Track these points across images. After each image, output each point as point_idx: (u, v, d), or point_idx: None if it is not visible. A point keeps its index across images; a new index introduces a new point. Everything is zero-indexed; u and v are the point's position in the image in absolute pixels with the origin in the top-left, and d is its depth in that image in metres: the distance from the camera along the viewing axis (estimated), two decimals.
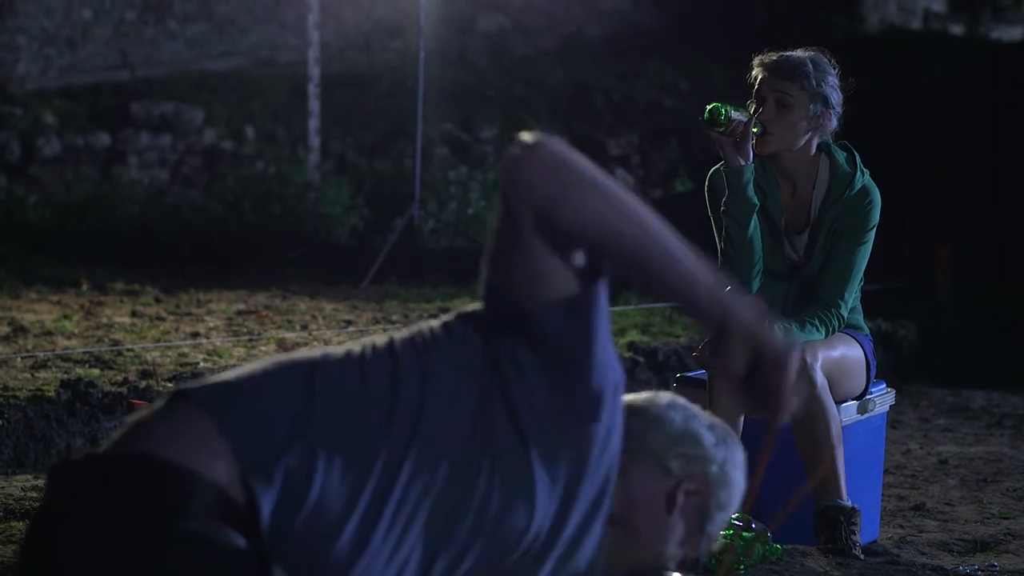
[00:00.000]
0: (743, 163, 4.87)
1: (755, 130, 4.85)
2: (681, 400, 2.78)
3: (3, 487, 5.52)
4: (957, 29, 18.58)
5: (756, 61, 4.91)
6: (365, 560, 2.46)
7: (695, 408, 2.77)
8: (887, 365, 8.13)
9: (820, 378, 4.78)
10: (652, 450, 2.69)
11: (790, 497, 4.82)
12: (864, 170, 4.95)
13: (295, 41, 15.26)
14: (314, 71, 12.83)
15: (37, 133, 13.88)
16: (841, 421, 4.90)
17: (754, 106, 4.90)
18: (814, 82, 4.85)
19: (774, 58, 4.88)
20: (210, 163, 14.35)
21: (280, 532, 2.43)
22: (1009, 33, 18.56)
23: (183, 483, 2.38)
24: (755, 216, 4.91)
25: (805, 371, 4.66)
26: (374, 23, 16.51)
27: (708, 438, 2.72)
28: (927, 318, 9.66)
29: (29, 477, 5.81)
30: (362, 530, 2.46)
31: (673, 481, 2.69)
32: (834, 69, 4.92)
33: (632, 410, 2.72)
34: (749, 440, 4.92)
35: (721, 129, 4.85)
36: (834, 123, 4.94)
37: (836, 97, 4.91)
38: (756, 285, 4.96)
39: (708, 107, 4.86)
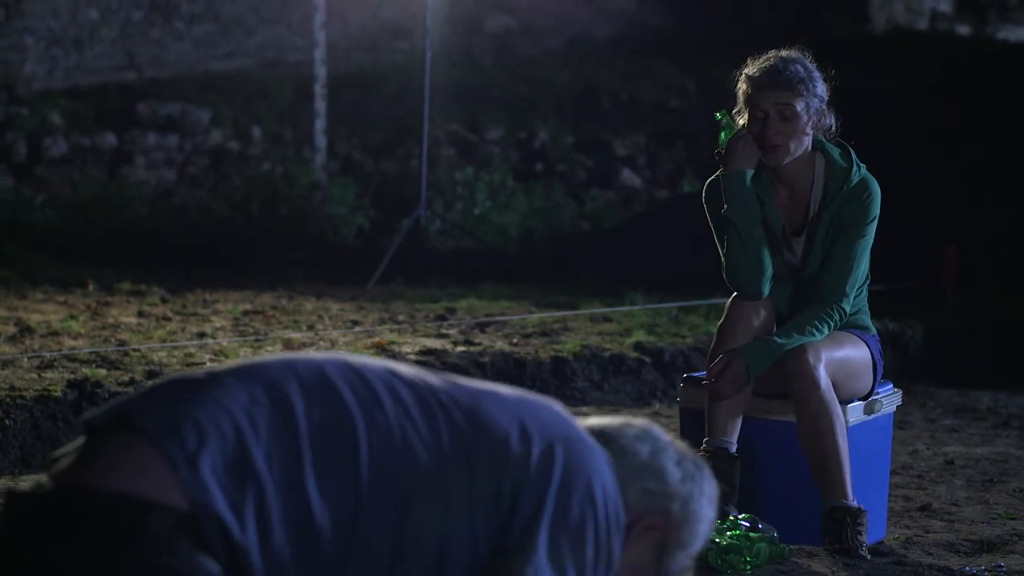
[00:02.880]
0: (748, 167, 4.89)
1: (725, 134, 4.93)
2: (654, 430, 2.70)
3: (10, 487, 5.52)
4: (964, 29, 18.56)
5: (745, 75, 4.91)
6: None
7: (667, 439, 2.69)
8: (894, 366, 8.12)
9: (824, 378, 4.78)
10: None
11: (796, 498, 4.84)
12: (860, 164, 4.95)
13: (301, 41, 15.26)
14: (320, 71, 12.83)
15: (44, 133, 13.89)
16: (848, 421, 4.89)
17: (746, 115, 4.91)
18: (810, 85, 4.86)
19: (765, 70, 4.88)
20: (216, 163, 14.35)
21: (253, 553, 2.35)
22: (1016, 33, 18.55)
23: (151, 517, 2.32)
24: (759, 220, 4.92)
25: (808, 373, 4.70)
26: (380, 23, 16.51)
27: (674, 474, 2.64)
28: (934, 319, 9.65)
29: (36, 478, 5.81)
30: (339, 542, 2.40)
31: (631, 516, 2.61)
32: (813, 64, 4.94)
33: (601, 438, 2.65)
34: (749, 440, 4.93)
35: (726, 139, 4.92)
36: (829, 119, 4.95)
37: (826, 93, 4.92)
38: (767, 289, 4.95)
39: (721, 121, 4.92)
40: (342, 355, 2.60)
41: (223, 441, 2.38)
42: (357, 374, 2.52)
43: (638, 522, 2.61)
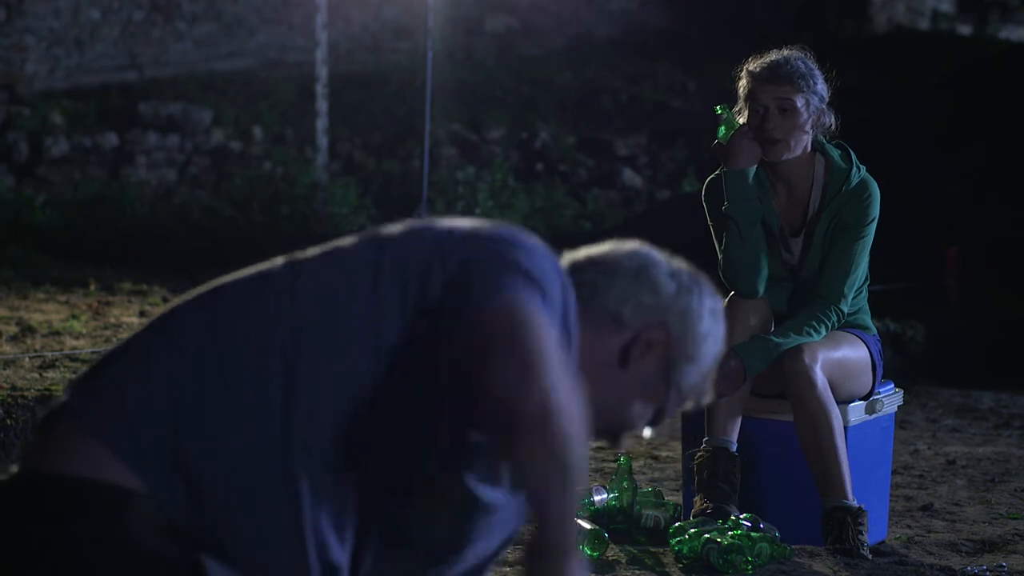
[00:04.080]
0: (749, 165, 4.90)
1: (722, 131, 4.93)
2: (644, 247, 2.62)
3: None
4: (965, 29, 18.56)
5: (747, 70, 4.92)
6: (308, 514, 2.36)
7: (659, 254, 2.61)
8: (895, 366, 8.12)
9: (820, 378, 4.78)
10: (604, 302, 2.55)
11: (797, 498, 4.84)
12: (860, 165, 4.95)
13: (303, 42, 15.27)
14: (322, 71, 12.84)
15: (45, 133, 13.90)
16: (849, 421, 4.89)
17: (746, 113, 4.92)
18: (810, 82, 4.87)
19: (766, 64, 4.89)
20: (218, 163, 14.36)
21: (198, 522, 2.34)
22: (1017, 33, 18.55)
23: (109, 497, 2.31)
24: (759, 218, 4.92)
25: (804, 373, 4.70)
26: (382, 24, 16.52)
27: (668, 286, 2.56)
28: (935, 319, 9.66)
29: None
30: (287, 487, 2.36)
31: (628, 334, 2.55)
32: (814, 63, 4.95)
33: (590, 262, 2.59)
34: (749, 440, 4.94)
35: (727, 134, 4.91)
36: (829, 119, 4.95)
37: (826, 92, 4.93)
38: (763, 288, 4.96)
39: (722, 115, 4.91)
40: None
41: (148, 410, 2.37)
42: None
43: (638, 339, 2.54)
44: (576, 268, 2.59)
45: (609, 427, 2.58)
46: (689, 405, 2.64)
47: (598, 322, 2.55)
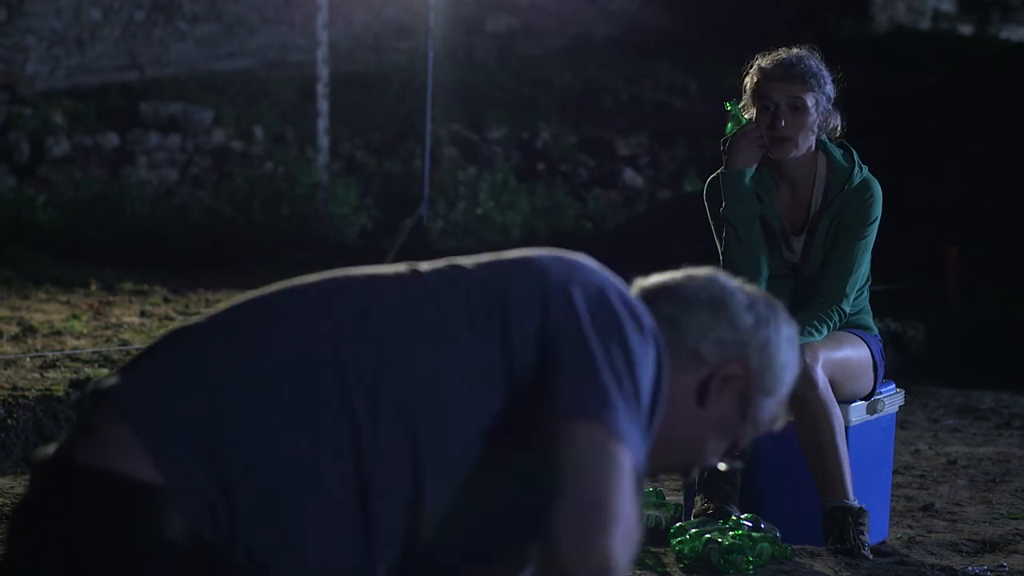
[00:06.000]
0: (748, 166, 4.90)
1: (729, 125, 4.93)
2: (719, 278, 2.57)
3: (12, 487, 5.52)
4: (966, 29, 18.56)
5: (758, 67, 4.91)
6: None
7: (733, 284, 2.56)
8: (896, 366, 8.12)
9: (821, 378, 4.78)
10: (685, 340, 2.50)
11: (796, 498, 4.83)
12: (863, 165, 4.95)
13: (304, 41, 15.27)
14: (323, 71, 12.84)
15: (46, 133, 13.90)
16: (850, 421, 4.89)
17: (753, 109, 4.91)
18: (820, 81, 4.87)
19: (779, 62, 4.88)
20: (219, 163, 14.36)
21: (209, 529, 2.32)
22: (1018, 33, 18.55)
23: (143, 497, 2.31)
24: (756, 219, 4.92)
25: (806, 373, 4.70)
26: (383, 23, 16.52)
27: (746, 320, 2.51)
28: (936, 319, 9.65)
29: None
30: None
31: (706, 370, 2.50)
32: (822, 64, 4.95)
33: (665, 292, 2.55)
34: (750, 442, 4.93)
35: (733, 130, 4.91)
36: (835, 120, 4.95)
37: (833, 93, 4.93)
38: (763, 288, 4.96)
39: (730, 111, 4.91)
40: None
41: (195, 412, 2.36)
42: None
43: (717, 374, 2.50)
44: (651, 298, 2.55)
45: (681, 464, 2.57)
46: (764, 433, 2.61)
47: (679, 362, 2.50)
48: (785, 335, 2.55)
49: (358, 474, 2.34)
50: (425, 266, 2.54)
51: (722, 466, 2.64)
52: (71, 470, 2.36)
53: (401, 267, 2.55)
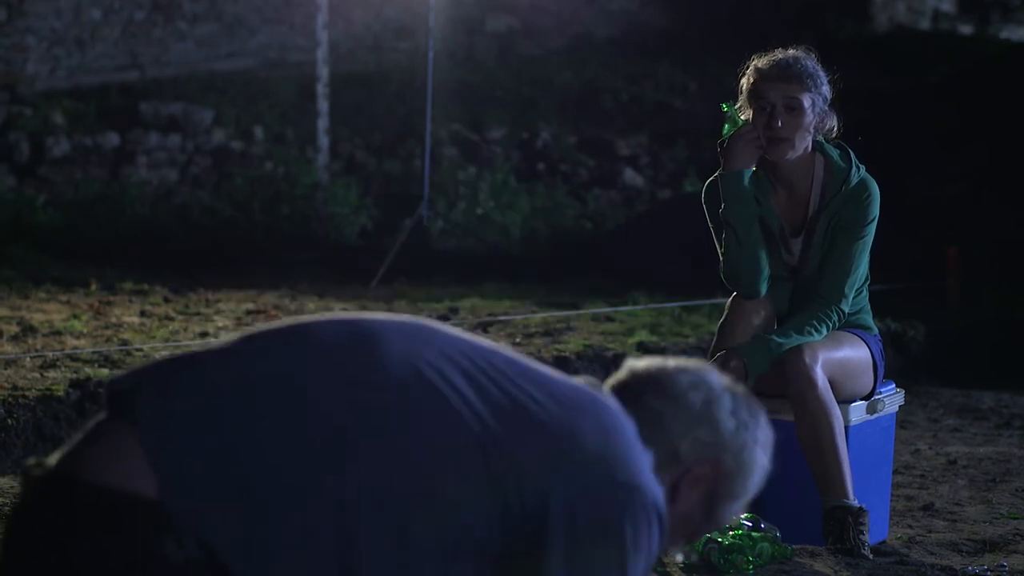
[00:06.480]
0: (746, 167, 4.90)
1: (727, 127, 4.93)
2: (709, 377, 2.60)
3: (12, 487, 5.53)
4: (966, 29, 18.55)
5: (754, 67, 4.91)
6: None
7: (722, 386, 2.59)
8: (896, 365, 8.12)
9: (821, 378, 4.78)
10: (667, 438, 2.54)
11: (796, 498, 4.84)
12: (860, 165, 4.95)
13: (304, 41, 15.27)
14: (323, 71, 12.84)
15: (46, 133, 13.90)
16: (850, 421, 4.89)
17: (749, 110, 4.91)
18: (817, 82, 4.87)
19: (775, 62, 4.88)
20: (219, 163, 14.36)
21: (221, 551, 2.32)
22: (1018, 33, 18.54)
23: (142, 514, 2.31)
24: (755, 220, 4.92)
25: (805, 373, 4.70)
26: (383, 23, 16.51)
27: (727, 425, 2.55)
28: (936, 319, 9.65)
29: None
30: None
31: (681, 469, 2.54)
32: (819, 65, 4.95)
33: (652, 383, 2.58)
34: None
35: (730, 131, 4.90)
36: (832, 121, 4.95)
37: (829, 94, 4.93)
38: (764, 288, 4.96)
39: (727, 113, 4.91)
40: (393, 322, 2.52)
41: (210, 433, 2.36)
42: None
43: (691, 472, 2.55)
44: (640, 388, 2.58)
45: None
46: (717, 529, 2.66)
47: (659, 460, 2.52)
48: (762, 441, 2.60)
49: (341, 561, 2.34)
50: (459, 379, 2.47)
51: (678, 558, 2.67)
52: (71, 484, 2.36)
53: (431, 372, 2.47)
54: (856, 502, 4.76)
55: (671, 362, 2.63)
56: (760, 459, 2.59)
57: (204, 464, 2.34)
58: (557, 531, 2.38)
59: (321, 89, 12.87)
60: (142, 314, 8.89)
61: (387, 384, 2.43)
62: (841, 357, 4.90)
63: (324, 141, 12.98)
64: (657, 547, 2.48)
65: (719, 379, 2.62)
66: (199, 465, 2.34)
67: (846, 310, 4.92)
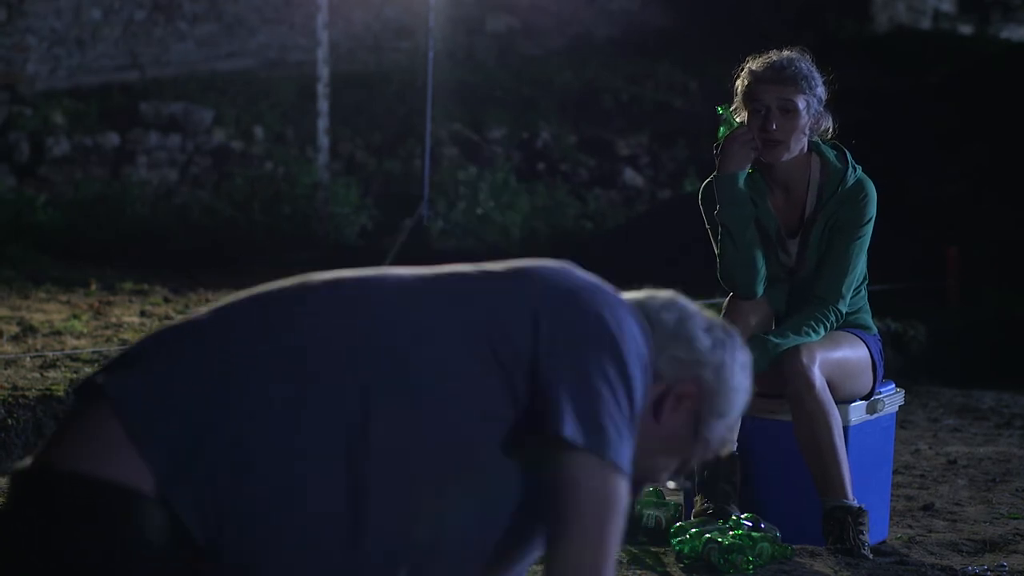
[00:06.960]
0: (740, 169, 4.89)
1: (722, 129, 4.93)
2: (680, 300, 2.65)
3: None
4: (966, 29, 18.56)
5: (748, 69, 4.91)
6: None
7: (693, 308, 2.64)
8: (896, 365, 8.12)
9: (819, 378, 4.78)
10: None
11: (796, 498, 4.84)
12: (856, 165, 4.95)
13: (304, 41, 15.27)
14: (323, 71, 12.84)
15: (46, 133, 13.90)
16: (850, 421, 4.89)
17: (744, 112, 4.91)
18: (812, 83, 4.87)
19: (769, 64, 4.88)
20: (219, 163, 14.36)
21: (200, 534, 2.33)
22: (1018, 33, 18.55)
23: (124, 503, 2.31)
24: (751, 222, 4.92)
25: (803, 374, 4.70)
26: (383, 23, 16.52)
27: (703, 341, 2.59)
28: (936, 319, 9.65)
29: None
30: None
31: (662, 387, 2.57)
32: (814, 66, 4.95)
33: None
34: (749, 440, 4.94)
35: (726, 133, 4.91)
36: (827, 122, 4.95)
37: (824, 95, 4.93)
38: (761, 289, 4.96)
39: (722, 116, 4.90)
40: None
41: (189, 416, 2.36)
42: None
43: (670, 392, 2.57)
44: None
45: (635, 478, 2.59)
46: (712, 456, 2.67)
47: None
48: (740, 360, 2.63)
49: (350, 475, 2.34)
50: (428, 273, 2.57)
51: (671, 484, 2.69)
52: (49, 476, 2.36)
53: (405, 273, 2.57)
54: (856, 502, 4.76)
55: (642, 292, 2.67)
56: (741, 379, 2.62)
57: (184, 430, 2.34)
58: (546, 344, 2.46)
59: (321, 89, 12.87)
60: (142, 314, 8.89)
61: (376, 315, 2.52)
62: (839, 357, 4.90)
63: (324, 141, 12.99)
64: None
65: (690, 302, 2.66)
66: (180, 433, 2.34)
67: (844, 310, 4.92)
